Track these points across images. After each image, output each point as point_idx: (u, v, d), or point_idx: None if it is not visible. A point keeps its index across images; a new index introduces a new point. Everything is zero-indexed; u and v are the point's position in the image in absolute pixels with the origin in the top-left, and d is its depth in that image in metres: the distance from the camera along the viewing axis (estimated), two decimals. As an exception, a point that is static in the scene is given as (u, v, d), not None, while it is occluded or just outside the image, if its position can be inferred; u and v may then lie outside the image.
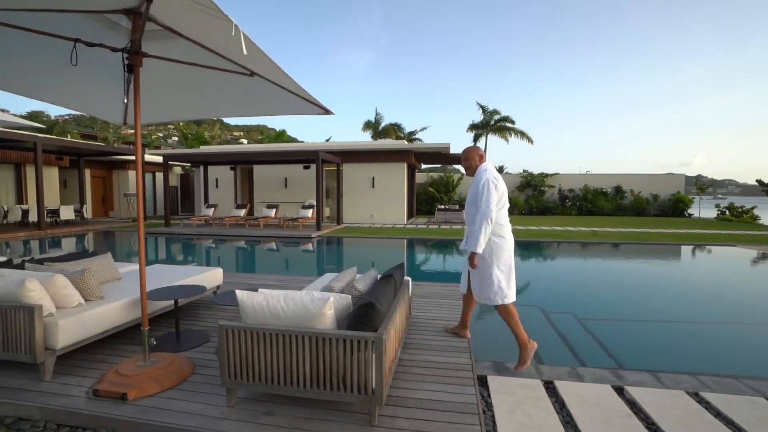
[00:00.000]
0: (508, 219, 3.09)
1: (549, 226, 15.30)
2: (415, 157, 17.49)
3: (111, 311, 2.99)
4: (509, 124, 26.20)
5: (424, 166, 25.13)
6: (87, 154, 17.07)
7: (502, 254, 2.99)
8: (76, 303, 2.84)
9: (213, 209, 15.11)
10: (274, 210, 14.69)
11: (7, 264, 3.27)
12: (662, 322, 4.74)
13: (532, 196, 23.87)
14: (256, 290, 2.26)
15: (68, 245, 11.33)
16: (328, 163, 16.89)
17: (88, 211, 16.11)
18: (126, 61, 2.49)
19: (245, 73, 2.90)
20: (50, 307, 2.64)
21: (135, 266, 4.55)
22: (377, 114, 27.28)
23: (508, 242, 3.03)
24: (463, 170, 3.98)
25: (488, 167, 3.12)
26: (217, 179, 17.86)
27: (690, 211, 22.84)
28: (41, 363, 2.54)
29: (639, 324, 4.74)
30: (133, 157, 18.99)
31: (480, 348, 3.38)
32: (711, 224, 17.02)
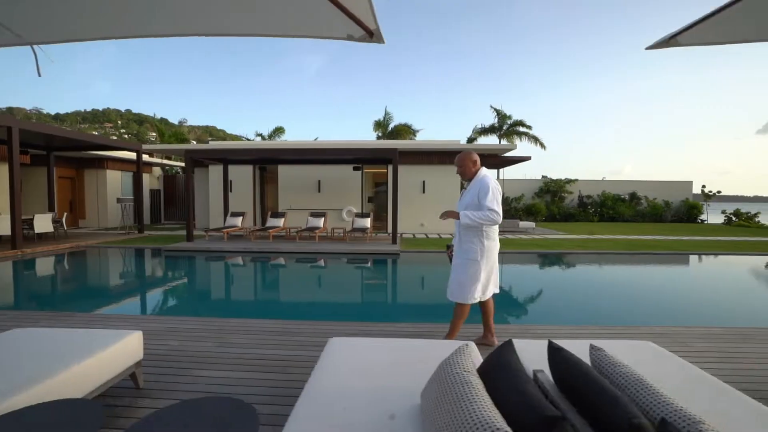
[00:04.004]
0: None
1: (620, 234, 14.20)
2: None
3: None
4: (523, 129, 25.33)
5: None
6: (64, 148, 13.34)
7: (491, 255, 3.19)
8: None
9: (241, 218, 12.25)
10: (322, 219, 12.17)
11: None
12: None
13: (552, 202, 23.10)
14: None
15: (74, 271, 8.14)
16: (373, 165, 14.75)
17: (65, 221, 12.47)
18: None
19: None
20: None
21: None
22: (387, 113, 25.20)
23: (497, 244, 3.22)
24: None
25: (488, 173, 3.20)
26: (231, 182, 14.82)
27: (701, 216, 23.24)
28: None
29: None
30: (114, 153, 15.34)
31: None
32: (734, 231, 16.80)
